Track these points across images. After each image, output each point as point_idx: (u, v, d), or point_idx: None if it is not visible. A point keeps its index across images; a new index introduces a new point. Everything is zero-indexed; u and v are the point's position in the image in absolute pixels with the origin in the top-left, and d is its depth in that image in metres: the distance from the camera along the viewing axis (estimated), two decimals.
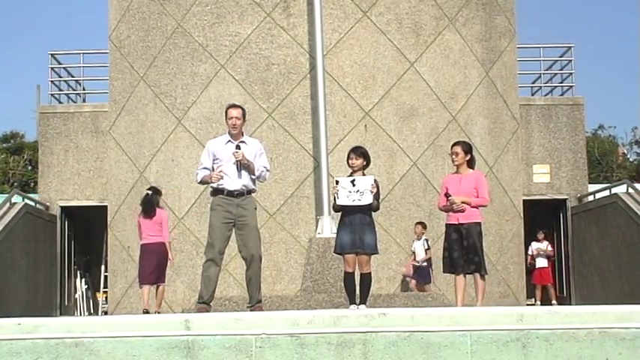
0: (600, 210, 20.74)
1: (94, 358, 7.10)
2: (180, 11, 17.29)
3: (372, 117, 16.79)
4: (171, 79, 17.35)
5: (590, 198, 21.84)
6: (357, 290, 9.82)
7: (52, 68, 23.09)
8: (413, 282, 16.31)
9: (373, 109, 16.82)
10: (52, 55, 23.01)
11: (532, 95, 23.91)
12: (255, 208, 10.06)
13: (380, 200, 9.98)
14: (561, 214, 22.45)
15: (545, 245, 20.22)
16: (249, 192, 9.98)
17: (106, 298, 20.86)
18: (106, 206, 19.27)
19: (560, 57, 23.77)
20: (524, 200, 19.57)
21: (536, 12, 71.88)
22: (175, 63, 17.31)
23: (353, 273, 9.77)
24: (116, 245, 18.47)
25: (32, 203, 21.02)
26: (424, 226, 16.36)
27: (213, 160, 9.95)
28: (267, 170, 10.15)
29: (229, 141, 9.97)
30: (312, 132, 16.36)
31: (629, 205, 19.21)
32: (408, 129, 17.03)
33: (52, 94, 23.12)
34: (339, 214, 9.98)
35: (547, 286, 20.22)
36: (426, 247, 16.20)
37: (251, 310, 9.60)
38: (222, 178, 9.79)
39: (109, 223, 18.90)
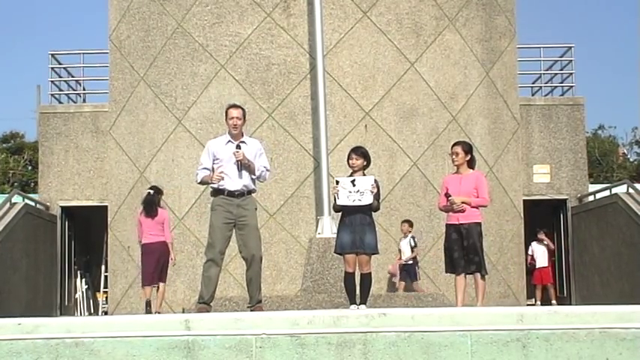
0: (600, 210, 20.73)
1: (94, 358, 7.10)
2: (181, 11, 17.30)
3: (372, 117, 16.79)
4: (171, 79, 17.35)
5: (591, 198, 21.82)
6: (357, 290, 9.82)
7: (52, 68, 23.08)
8: (402, 284, 16.21)
9: (373, 109, 16.82)
10: (52, 55, 22.98)
11: (532, 95, 23.89)
12: (256, 209, 10.06)
13: (380, 200, 9.97)
14: (561, 215, 22.43)
15: (545, 243, 20.12)
16: (250, 192, 9.97)
17: (106, 298, 20.87)
18: (106, 206, 19.29)
19: (561, 57, 23.76)
20: (524, 200, 19.57)
21: (536, 12, 71.88)
22: (175, 63, 17.31)
23: (353, 273, 9.76)
24: (116, 245, 18.48)
25: (32, 203, 21.00)
26: (410, 224, 16.25)
27: (214, 160, 9.93)
28: (268, 170, 10.15)
29: (229, 141, 9.96)
30: (313, 132, 16.36)
31: (630, 205, 19.19)
32: (409, 129, 17.03)
33: (52, 94, 23.10)
34: (340, 214, 9.97)
35: (547, 286, 20.19)
36: (413, 244, 16.13)
37: (251, 310, 9.60)
38: (222, 179, 9.79)
39: (109, 223, 18.91)
